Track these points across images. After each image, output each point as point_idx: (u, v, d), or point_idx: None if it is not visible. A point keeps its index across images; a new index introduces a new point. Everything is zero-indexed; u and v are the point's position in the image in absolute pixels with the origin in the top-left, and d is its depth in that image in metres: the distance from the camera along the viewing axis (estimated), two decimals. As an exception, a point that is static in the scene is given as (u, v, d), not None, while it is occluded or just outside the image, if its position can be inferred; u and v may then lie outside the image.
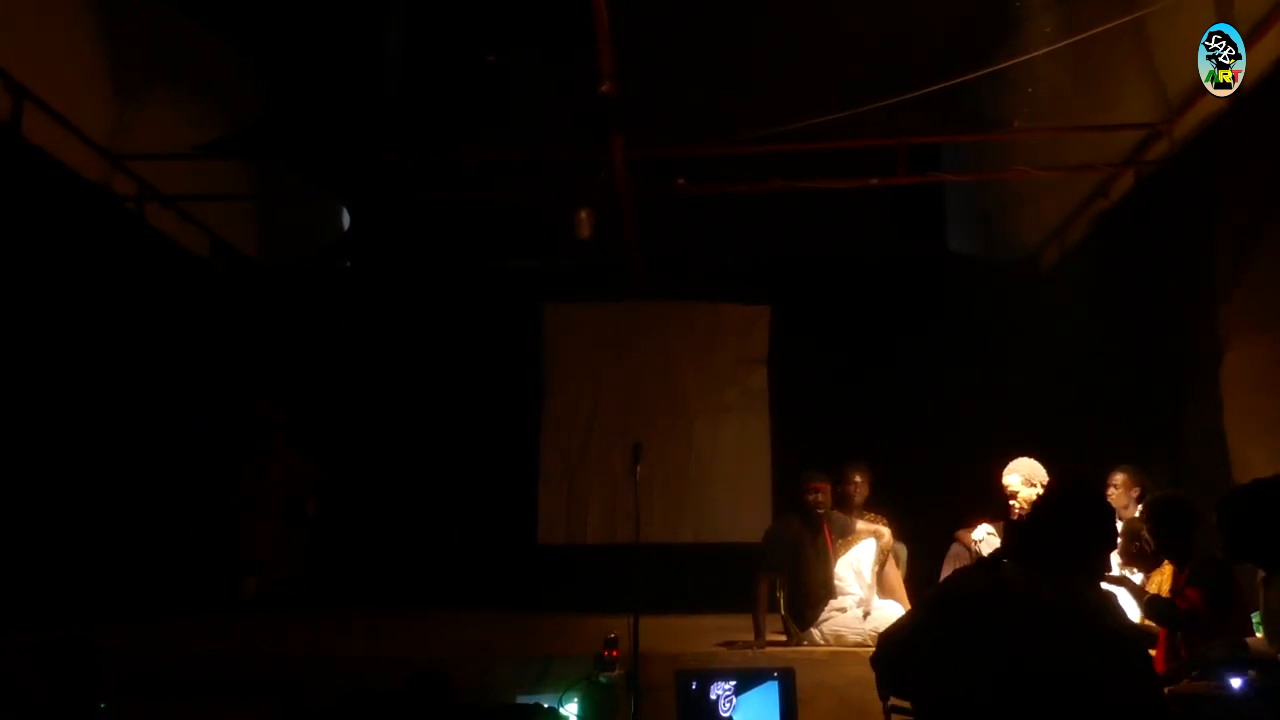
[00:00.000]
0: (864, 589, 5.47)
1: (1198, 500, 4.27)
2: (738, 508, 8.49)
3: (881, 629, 5.00)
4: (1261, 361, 5.19)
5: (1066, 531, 2.40)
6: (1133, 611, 4.54)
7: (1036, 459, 5.32)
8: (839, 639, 5.22)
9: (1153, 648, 4.13)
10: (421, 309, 8.94)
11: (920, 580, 5.75)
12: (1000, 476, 5.32)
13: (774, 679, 4.15)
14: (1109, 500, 5.52)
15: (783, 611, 5.39)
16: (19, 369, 5.87)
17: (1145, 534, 4.44)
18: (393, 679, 3.77)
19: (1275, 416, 5.07)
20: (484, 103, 7.19)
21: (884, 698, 2.87)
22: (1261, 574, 3.55)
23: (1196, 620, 3.84)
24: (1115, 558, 5.15)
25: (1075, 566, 2.35)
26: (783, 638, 5.37)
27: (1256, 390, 5.22)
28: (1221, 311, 5.54)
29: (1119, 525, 5.46)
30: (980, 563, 2.72)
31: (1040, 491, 4.67)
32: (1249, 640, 3.63)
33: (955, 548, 5.93)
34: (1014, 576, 2.35)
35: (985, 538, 5.50)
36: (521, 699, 4.15)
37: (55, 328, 6.16)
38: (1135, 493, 5.46)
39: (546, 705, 3.67)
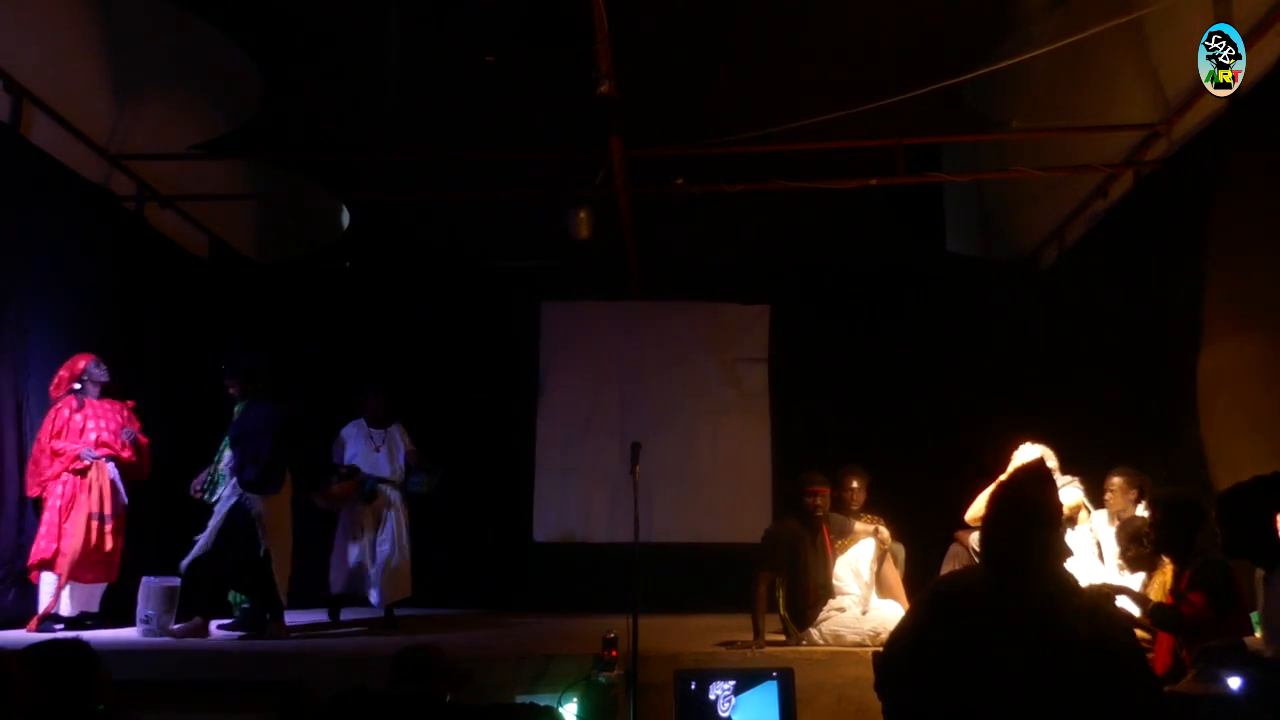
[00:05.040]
0: (862, 589, 5.48)
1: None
2: (737, 507, 8.49)
3: (880, 628, 5.05)
4: (1255, 360, 5.20)
5: (1016, 533, 2.40)
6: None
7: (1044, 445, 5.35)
8: (838, 639, 5.22)
9: (1151, 650, 4.14)
10: (420, 309, 8.95)
11: (919, 580, 5.75)
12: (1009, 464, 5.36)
13: (773, 679, 4.16)
14: (1107, 502, 5.56)
15: (782, 611, 5.39)
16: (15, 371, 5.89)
17: (1147, 532, 4.44)
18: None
19: (1263, 415, 5.07)
20: (483, 103, 7.19)
21: (881, 696, 2.87)
22: (1261, 572, 3.55)
23: (1202, 624, 3.84)
24: (1117, 560, 5.18)
25: (1032, 564, 2.35)
26: (782, 638, 5.37)
27: (1252, 389, 5.23)
28: (1216, 310, 5.55)
29: (1104, 524, 5.51)
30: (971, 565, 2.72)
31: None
32: (1248, 640, 3.64)
33: (954, 547, 5.94)
34: (999, 579, 2.35)
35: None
36: (520, 699, 4.15)
37: (52, 328, 6.17)
38: (1133, 494, 5.47)
39: (543, 704, 3.67)
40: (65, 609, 5.72)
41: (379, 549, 6.62)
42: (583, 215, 7.05)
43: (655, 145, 6.91)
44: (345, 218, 9.13)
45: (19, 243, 5.90)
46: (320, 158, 8.04)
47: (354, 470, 6.59)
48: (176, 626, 5.47)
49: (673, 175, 7.24)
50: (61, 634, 5.07)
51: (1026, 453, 5.29)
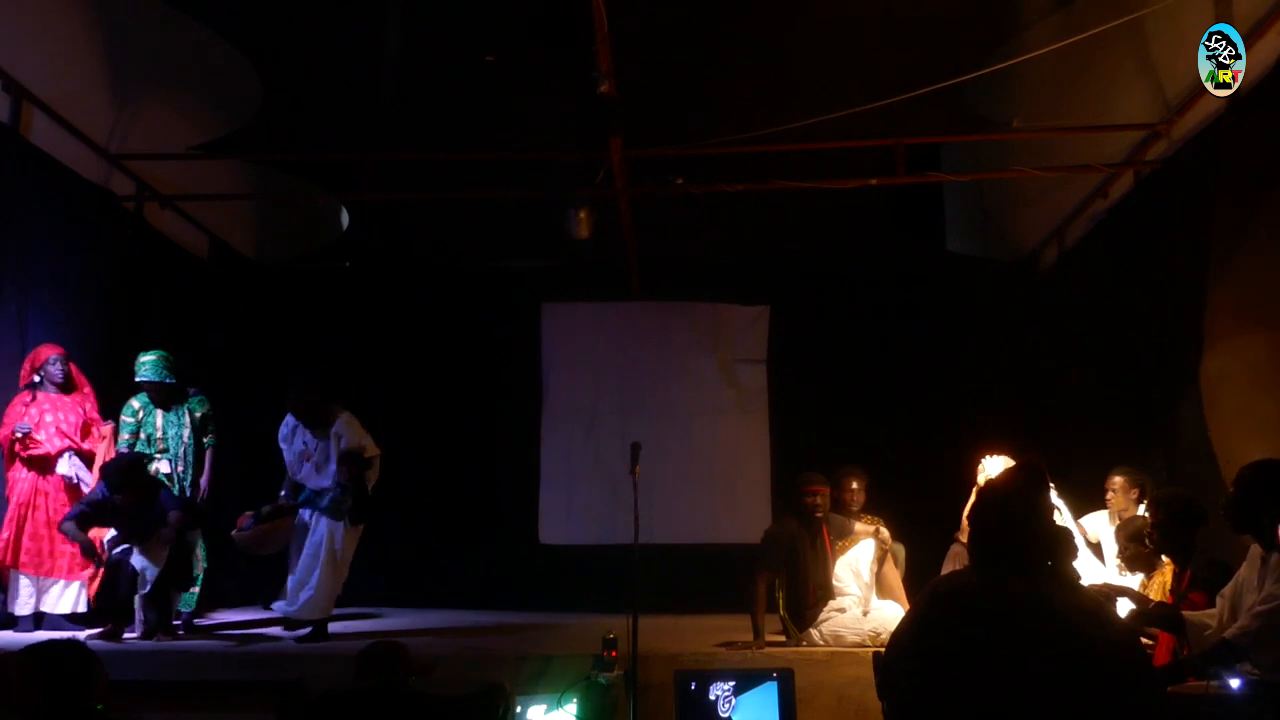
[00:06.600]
0: (862, 589, 5.48)
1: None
2: (736, 508, 8.50)
3: (880, 629, 5.05)
4: (1254, 361, 5.20)
5: (1001, 530, 2.40)
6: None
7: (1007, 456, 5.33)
8: (838, 639, 5.22)
9: (1152, 650, 4.13)
10: (421, 309, 8.95)
11: (919, 580, 5.75)
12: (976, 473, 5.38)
13: (773, 679, 4.16)
14: (1108, 502, 5.56)
15: (781, 612, 5.39)
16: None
17: (1148, 533, 4.44)
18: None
19: (1268, 416, 5.07)
20: (483, 103, 7.19)
21: (882, 699, 2.87)
22: (1259, 552, 3.52)
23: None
24: (1116, 560, 5.18)
25: (1028, 562, 2.35)
26: (782, 638, 5.37)
27: (1251, 390, 5.22)
28: (1216, 311, 5.55)
29: (1105, 524, 5.51)
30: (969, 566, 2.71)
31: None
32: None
33: (954, 548, 5.94)
34: (999, 579, 2.34)
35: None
36: (520, 699, 4.15)
37: (52, 328, 6.16)
38: (1134, 494, 5.48)
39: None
40: (24, 608, 5.65)
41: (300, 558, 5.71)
42: (583, 215, 7.05)
43: (655, 145, 6.90)
44: (345, 218, 9.13)
45: (19, 243, 5.90)
46: (320, 158, 8.04)
47: (279, 510, 5.71)
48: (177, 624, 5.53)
49: (673, 175, 7.23)
50: (59, 634, 5.08)
51: (992, 465, 5.30)
